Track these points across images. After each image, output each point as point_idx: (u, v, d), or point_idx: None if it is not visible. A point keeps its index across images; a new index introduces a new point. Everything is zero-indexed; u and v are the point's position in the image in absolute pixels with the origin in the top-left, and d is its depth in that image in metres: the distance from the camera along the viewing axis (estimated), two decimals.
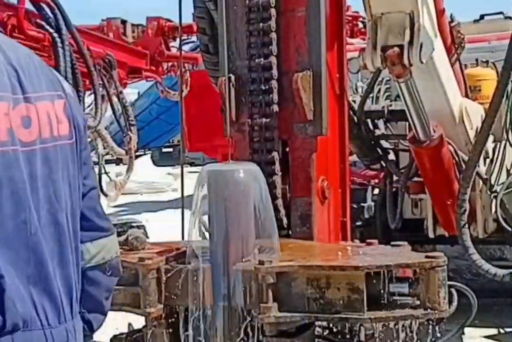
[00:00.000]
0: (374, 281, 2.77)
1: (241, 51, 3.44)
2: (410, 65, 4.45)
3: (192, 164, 26.31)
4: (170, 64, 11.82)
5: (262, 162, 3.43)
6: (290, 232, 3.49)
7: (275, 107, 3.40)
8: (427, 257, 2.76)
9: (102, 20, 11.21)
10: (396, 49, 4.42)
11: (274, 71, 3.39)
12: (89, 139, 8.97)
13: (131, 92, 23.33)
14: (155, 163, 22.35)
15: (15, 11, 7.30)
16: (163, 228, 13.57)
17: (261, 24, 3.39)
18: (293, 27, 3.42)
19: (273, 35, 3.38)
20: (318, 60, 3.37)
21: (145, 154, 24.66)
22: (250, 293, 2.84)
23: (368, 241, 3.23)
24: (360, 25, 14.51)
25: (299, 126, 3.42)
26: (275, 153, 3.42)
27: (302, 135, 3.42)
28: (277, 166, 3.42)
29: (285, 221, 3.46)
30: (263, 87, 3.41)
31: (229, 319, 3.00)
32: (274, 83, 3.39)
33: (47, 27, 7.45)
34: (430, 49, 4.57)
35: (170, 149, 30.92)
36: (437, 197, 5.58)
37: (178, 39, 11.73)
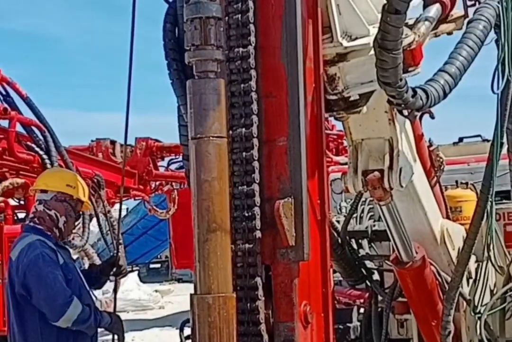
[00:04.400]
0: None
1: None
2: (391, 189, 4.58)
3: (180, 280, 26.16)
4: (158, 183, 12.01)
5: (246, 287, 3.48)
6: None
7: (258, 233, 3.48)
8: None
9: (92, 140, 11.45)
10: (377, 173, 4.56)
11: (257, 198, 3.49)
12: (75, 256, 8.99)
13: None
14: (142, 280, 22.19)
15: (6, 134, 7.50)
16: None
17: (244, 153, 3.51)
18: (275, 156, 3.54)
19: (256, 164, 3.50)
20: (299, 187, 3.47)
21: (132, 270, 24.52)
22: None
23: None
24: (345, 143, 14.86)
25: (282, 252, 3.50)
26: (258, 279, 3.47)
27: (285, 260, 3.49)
28: (260, 292, 3.47)
29: None
30: (246, 214, 3.50)
31: None
32: (256, 210, 3.48)
33: (37, 149, 7.65)
34: (409, 173, 4.71)
35: (158, 265, 30.77)
36: (421, 318, 5.59)
37: (166, 159, 12.00)
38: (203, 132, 3.19)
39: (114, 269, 5.31)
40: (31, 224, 4.99)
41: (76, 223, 8.39)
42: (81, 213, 5.29)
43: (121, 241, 9.47)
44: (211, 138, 3.18)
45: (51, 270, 4.69)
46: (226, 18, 3.51)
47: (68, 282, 4.77)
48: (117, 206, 11.91)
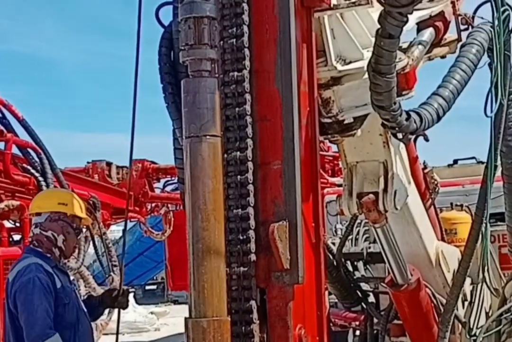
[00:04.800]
0: None
1: None
2: (385, 211, 4.60)
3: (175, 302, 26.06)
4: (153, 204, 12.01)
5: (240, 311, 3.48)
6: None
7: (253, 256, 3.48)
8: None
9: (88, 162, 11.46)
10: (371, 196, 4.58)
11: (252, 222, 3.49)
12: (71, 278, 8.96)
13: (115, 230, 23.39)
14: (138, 301, 22.09)
15: (2, 156, 7.50)
16: None
17: (238, 177, 3.52)
18: (269, 180, 3.55)
19: (250, 187, 3.50)
20: (293, 211, 3.48)
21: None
22: None
23: None
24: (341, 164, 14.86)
25: (276, 275, 3.49)
26: (252, 302, 3.46)
27: (279, 284, 3.49)
28: (255, 315, 3.46)
29: None
30: (241, 237, 3.50)
31: None
32: (251, 233, 3.48)
33: (33, 171, 7.66)
34: (404, 196, 4.73)
35: (154, 287, 30.65)
36: (417, 340, 5.58)
37: (162, 180, 12.01)
38: (196, 131, 3.18)
39: (119, 298, 5.22)
40: (31, 246, 4.99)
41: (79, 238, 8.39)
42: (82, 228, 5.23)
43: (116, 263, 9.47)
44: (204, 137, 3.19)
45: (38, 296, 4.58)
46: (221, 42, 3.54)
47: (65, 306, 4.71)
48: (112, 227, 11.89)
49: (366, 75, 3.62)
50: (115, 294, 5.18)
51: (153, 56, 4.02)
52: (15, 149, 7.85)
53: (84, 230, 8.72)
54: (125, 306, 5.25)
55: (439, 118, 3.91)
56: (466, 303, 5.67)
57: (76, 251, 8.44)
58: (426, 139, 5.14)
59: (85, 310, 4.97)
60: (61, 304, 4.70)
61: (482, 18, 4.60)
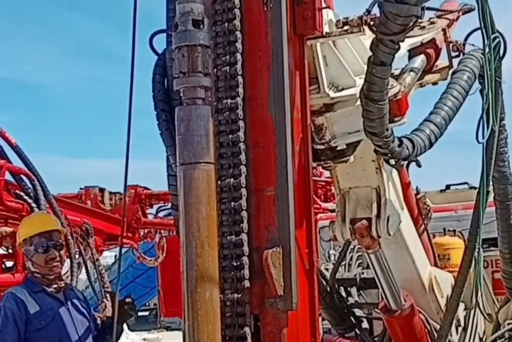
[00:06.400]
0: None
1: None
2: (379, 237, 4.61)
3: (168, 328, 25.90)
4: (146, 230, 12.00)
5: (234, 337, 3.48)
6: None
7: (246, 283, 3.48)
8: None
9: (81, 188, 11.46)
10: (364, 221, 4.59)
11: (245, 248, 3.50)
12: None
13: (108, 256, 23.31)
14: (130, 328, 21.96)
15: None
16: None
17: (232, 203, 3.53)
18: (263, 206, 3.56)
19: (244, 214, 3.51)
20: (287, 237, 3.49)
21: None
22: None
23: None
24: (334, 189, 14.85)
25: (270, 302, 3.50)
26: (246, 329, 3.46)
27: (273, 310, 3.49)
28: (249, 341, 3.46)
29: None
30: (235, 263, 3.51)
31: None
32: (245, 260, 3.49)
33: (26, 197, 7.65)
34: (397, 222, 4.74)
35: (146, 313, 30.50)
36: None
37: (154, 206, 12.01)
38: (190, 158, 3.21)
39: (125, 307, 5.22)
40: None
41: (65, 270, 8.34)
42: (59, 239, 5.17)
43: (109, 289, 9.43)
44: (198, 164, 3.21)
45: (3, 326, 4.70)
46: (215, 70, 3.56)
47: (40, 330, 4.74)
48: (105, 253, 11.86)
49: (359, 102, 3.64)
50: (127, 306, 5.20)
51: (147, 81, 4.04)
52: (8, 176, 7.85)
53: (77, 256, 8.70)
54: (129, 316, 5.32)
55: (431, 144, 3.94)
56: (459, 329, 5.66)
57: (69, 277, 8.41)
58: (419, 165, 5.16)
59: (79, 332, 4.94)
60: (35, 329, 4.75)
61: (473, 45, 4.65)
